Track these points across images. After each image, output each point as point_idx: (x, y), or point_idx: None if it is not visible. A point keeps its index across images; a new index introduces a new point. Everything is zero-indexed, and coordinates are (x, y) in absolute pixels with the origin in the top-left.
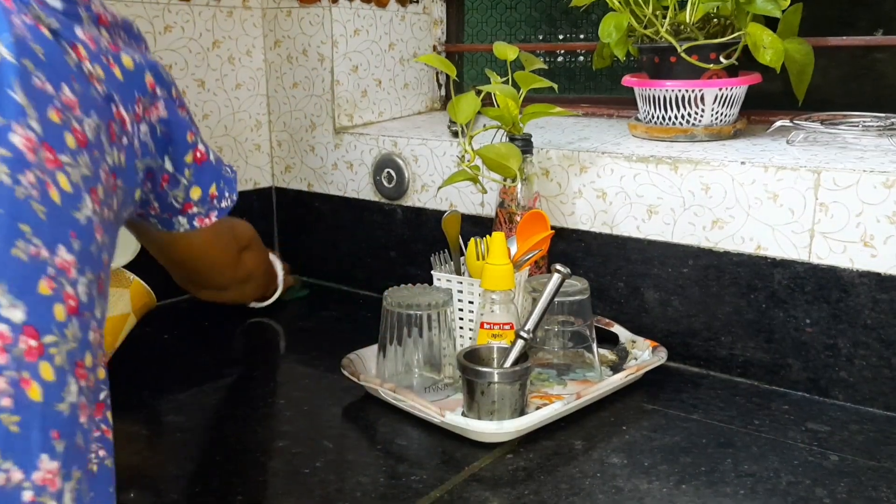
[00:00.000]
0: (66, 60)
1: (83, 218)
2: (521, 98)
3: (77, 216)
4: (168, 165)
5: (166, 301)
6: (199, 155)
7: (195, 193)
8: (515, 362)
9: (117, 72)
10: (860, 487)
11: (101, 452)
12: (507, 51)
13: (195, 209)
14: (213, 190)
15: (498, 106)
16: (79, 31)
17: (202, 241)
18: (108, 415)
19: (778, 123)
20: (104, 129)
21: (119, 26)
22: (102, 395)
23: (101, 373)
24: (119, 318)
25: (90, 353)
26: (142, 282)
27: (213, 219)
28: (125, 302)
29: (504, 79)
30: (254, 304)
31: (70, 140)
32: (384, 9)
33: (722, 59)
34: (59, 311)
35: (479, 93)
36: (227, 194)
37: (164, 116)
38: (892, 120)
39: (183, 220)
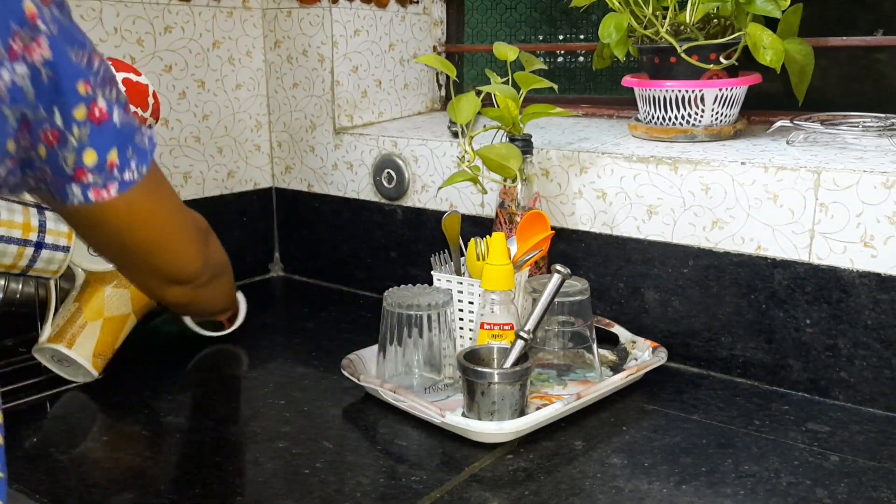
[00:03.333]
0: None
1: None
2: (521, 98)
3: None
4: (58, 119)
5: None
6: (97, 113)
7: (89, 158)
8: (515, 363)
9: None
10: (860, 488)
11: None
12: (507, 51)
13: (89, 177)
14: (112, 156)
15: (498, 106)
16: None
17: (145, 212)
18: None
19: (778, 124)
20: None
21: None
22: None
23: None
24: (119, 319)
25: None
26: None
27: (112, 193)
28: (125, 302)
29: (504, 79)
30: (209, 333)
31: None
32: (384, 9)
33: (722, 59)
34: None
35: (479, 93)
36: (133, 165)
37: (49, 58)
38: (892, 120)
39: (76, 189)
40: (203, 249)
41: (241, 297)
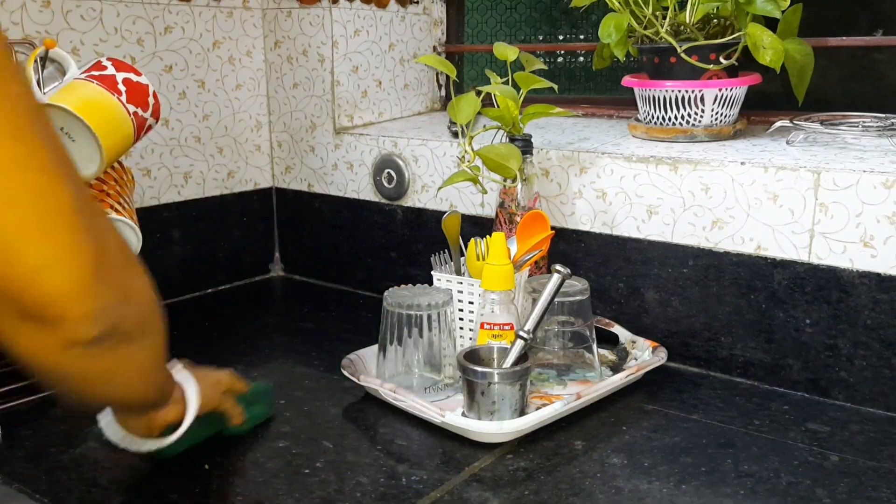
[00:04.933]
0: None
1: None
2: (521, 98)
3: None
4: None
5: (166, 301)
6: None
7: None
8: (515, 362)
9: None
10: (860, 488)
11: None
12: (507, 51)
13: None
14: None
15: (498, 106)
16: None
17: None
18: None
19: (778, 124)
20: None
21: None
22: None
23: None
24: None
25: None
26: None
27: None
28: None
29: (504, 79)
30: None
31: None
32: (384, 9)
33: (722, 59)
34: None
35: (479, 93)
36: None
37: None
38: (892, 120)
39: None
40: (98, 276)
41: (187, 381)
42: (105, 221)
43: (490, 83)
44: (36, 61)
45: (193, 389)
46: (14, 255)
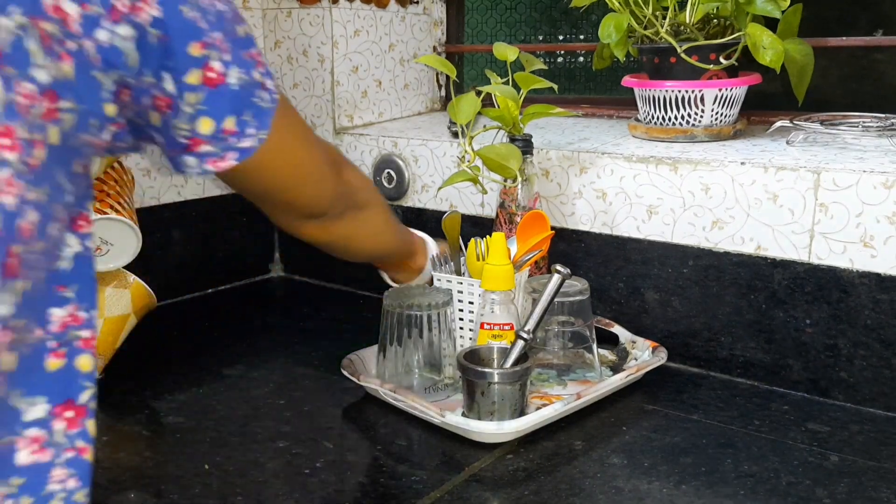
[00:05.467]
0: None
1: None
2: (522, 99)
3: None
4: (168, 85)
5: (166, 301)
6: (210, 75)
7: (204, 126)
8: (515, 363)
9: None
10: (860, 488)
11: (72, 483)
12: (507, 52)
13: (205, 147)
14: (229, 124)
15: (498, 106)
16: None
17: (272, 168)
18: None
19: (778, 124)
20: (29, 29)
21: None
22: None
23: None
24: (119, 319)
25: None
26: (142, 282)
27: (231, 161)
28: (125, 302)
29: (504, 79)
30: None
31: None
32: (384, 9)
33: (722, 59)
34: None
35: (479, 93)
36: (250, 130)
37: (159, 16)
38: (892, 120)
39: (191, 160)
40: (334, 180)
41: (426, 239)
42: (336, 155)
43: (490, 83)
44: None
45: (432, 245)
46: (308, 192)
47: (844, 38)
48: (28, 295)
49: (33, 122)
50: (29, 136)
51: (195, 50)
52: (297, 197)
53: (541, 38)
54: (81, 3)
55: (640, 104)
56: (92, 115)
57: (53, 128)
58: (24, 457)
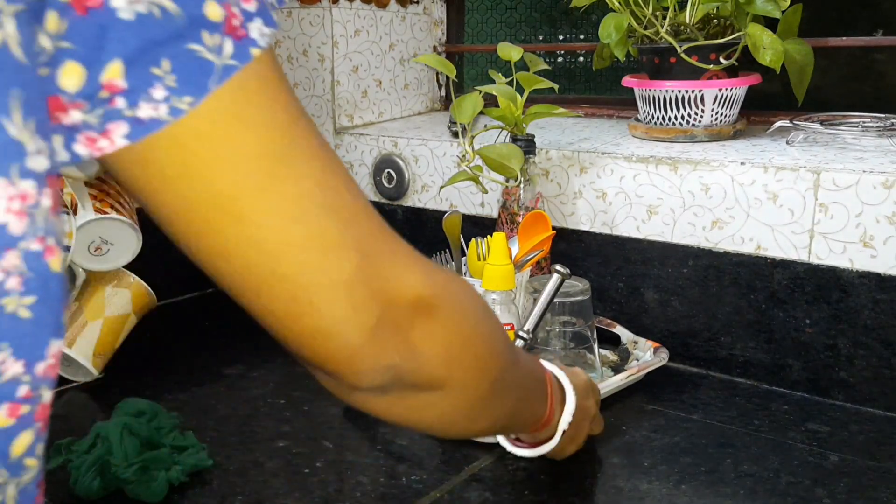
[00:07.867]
0: None
1: None
2: (524, 99)
3: None
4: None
5: (166, 301)
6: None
7: (68, 77)
8: None
9: None
10: (860, 487)
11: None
12: (510, 51)
13: (74, 113)
14: (113, 73)
15: (500, 106)
16: None
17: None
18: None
19: (778, 124)
20: None
21: None
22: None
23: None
24: (119, 318)
25: None
26: (142, 282)
27: (119, 139)
28: (125, 302)
29: (507, 79)
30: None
31: None
32: (384, 9)
33: (722, 59)
34: None
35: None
36: (157, 89)
37: None
38: (892, 120)
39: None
40: (376, 336)
41: (566, 386)
42: (397, 269)
43: (491, 82)
44: None
45: (569, 387)
46: (299, 317)
47: (844, 38)
48: None
49: None
50: None
51: None
52: (266, 312)
53: (541, 38)
54: None
55: (640, 104)
56: None
57: None
58: None
